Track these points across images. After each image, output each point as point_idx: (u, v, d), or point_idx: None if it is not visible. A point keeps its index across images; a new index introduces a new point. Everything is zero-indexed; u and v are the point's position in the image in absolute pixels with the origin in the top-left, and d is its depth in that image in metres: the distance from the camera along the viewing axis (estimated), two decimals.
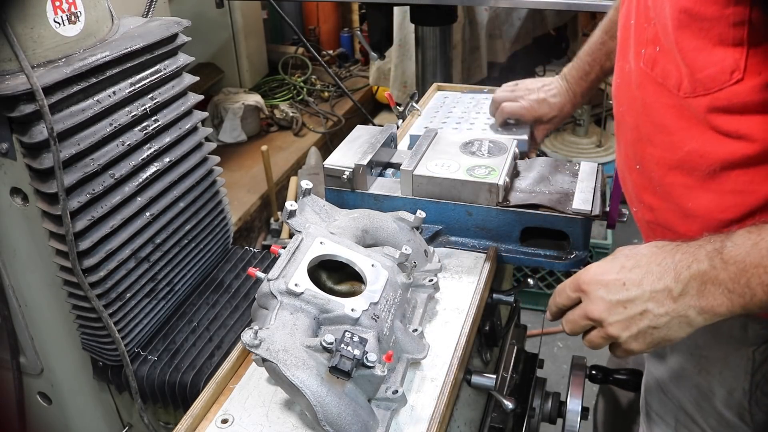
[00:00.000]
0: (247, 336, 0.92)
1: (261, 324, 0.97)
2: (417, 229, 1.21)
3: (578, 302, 0.95)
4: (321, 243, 1.08)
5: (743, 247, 0.78)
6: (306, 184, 1.19)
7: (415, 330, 1.07)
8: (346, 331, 0.92)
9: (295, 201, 1.15)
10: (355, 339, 0.91)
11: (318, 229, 1.12)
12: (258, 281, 1.04)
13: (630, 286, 0.86)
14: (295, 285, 0.98)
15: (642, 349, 0.89)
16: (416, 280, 1.15)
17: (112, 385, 1.48)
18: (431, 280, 1.17)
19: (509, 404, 1.15)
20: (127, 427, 1.58)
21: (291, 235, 1.15)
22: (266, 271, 1.68)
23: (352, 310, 0.97)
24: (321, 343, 0.89)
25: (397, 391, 0.95)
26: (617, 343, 0.92)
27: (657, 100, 0.99)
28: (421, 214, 1.19)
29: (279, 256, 1.08)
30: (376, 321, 0.98)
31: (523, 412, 1.45)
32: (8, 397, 1.50)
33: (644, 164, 1.08)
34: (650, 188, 1.09)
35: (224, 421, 1.02)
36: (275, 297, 0.98)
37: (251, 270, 1.03)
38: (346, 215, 1.20)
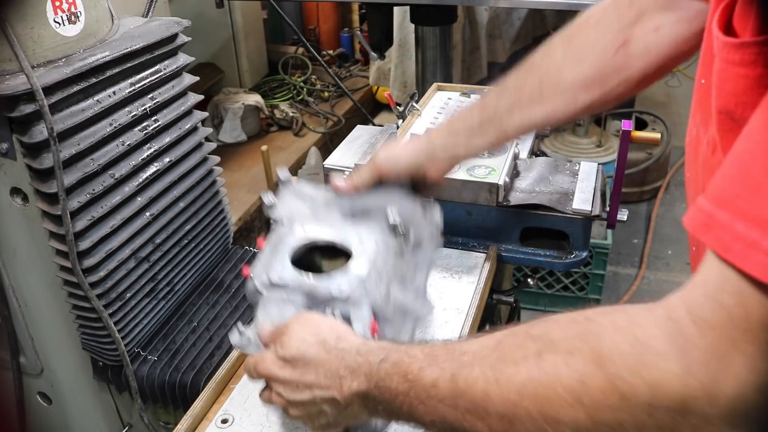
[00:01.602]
0: (234, 337, 0.92)
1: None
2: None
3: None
4: (303, 229, 1.04)
5: (397, 375, 0.73)
6: (283, 174, 1.13)
7: (418, 290, 1.03)
8: (327, 309, 0.90)
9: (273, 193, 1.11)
10: (338, 316, 0.89)
11: (302, 215, 1.07)
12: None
13: (304, 390, 0.82)
14: (279, 277, 0.95)
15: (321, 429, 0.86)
16: (417, 238, 1.09)
17: (112, 385, 1.48)
18: (431, 239, 1.11)
19: None
20: (127, 427, 1.58)
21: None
22: None
23: (340, 290, 0.93)
24: None
25: None
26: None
27: None
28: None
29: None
30: (366, 293, 0.94)
31: None
32: (8, 397, 1.50)
33: (698, 250, 0.93)
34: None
35: (224, 421, 1.02)
36: (260, 292, 0.96)
37: (244, 268, 1.02)
38: (328, 194, 1.14)
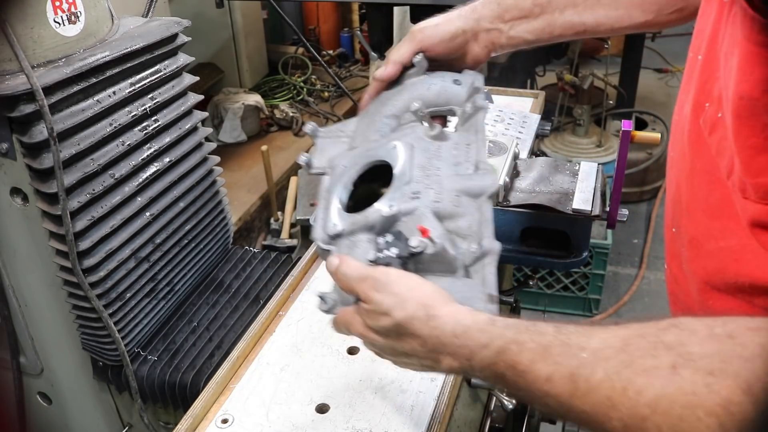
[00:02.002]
0: (321, 305, 0.88)
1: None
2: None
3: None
4: (344, 167, 0.97)
5: (500, 366, 0.70)
6: (310, 126, 1.07)
7: (476, 167, 0.93)
8: (378, 237, 0.84)
9: (306, 152, 1.03)
10: (389, 239, 0.83)
11: (341, 156, 1.00)
12: None
13: (400, 355, 0.81)
14: (334, 226, 0.89)
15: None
16: (462, 114, 1.01)
17: (112, 385, 1.48)
18: (474, 103, 1.00)
19: (509, 404, 1.15)
20: (127, 427, 1.58)
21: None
22: (267, 269, 1.68)
23: (390, 206, 0.86)
24: (366, 263, 0.82)
25: (480, 244, 0.84)
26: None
27: (705, 172, 0.82)
28: (417, 56, 1.04)
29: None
30: (418, 198, 0.86)
31: (523, 412, 1.45)
32: (8, 397, 1.50)
33: (679, 232, 0.92)
34: (678, 261, 0.94)
35: (224, 421, 1.02)
36: (326, 250, 0.90)
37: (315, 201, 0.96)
38: (360, 118, 1.08)
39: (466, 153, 0.95)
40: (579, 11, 1.06)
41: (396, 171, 0.90)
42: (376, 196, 0.94)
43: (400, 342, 0.78)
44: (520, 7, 1.06)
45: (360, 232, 0.87)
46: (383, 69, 1.03)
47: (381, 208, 0.85)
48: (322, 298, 0.87)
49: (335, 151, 1.03)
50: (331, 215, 0.91)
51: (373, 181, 0.96)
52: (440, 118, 1.04)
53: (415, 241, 0.80)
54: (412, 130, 0.96)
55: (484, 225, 0.86)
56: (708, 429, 0.54)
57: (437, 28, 1.04)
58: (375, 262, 0.81)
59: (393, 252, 0.81)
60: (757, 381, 0.53)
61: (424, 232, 0.81)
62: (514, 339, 0.69)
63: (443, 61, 1.06)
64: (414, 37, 1.03)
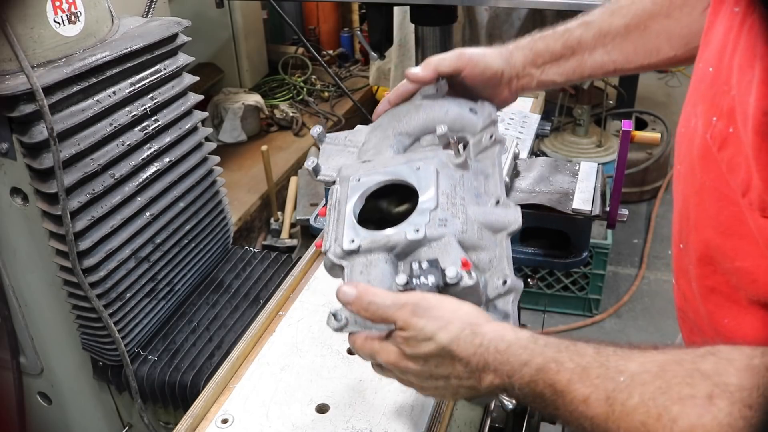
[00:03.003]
0: (331, 322, 0.85)
1: None
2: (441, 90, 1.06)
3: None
4: (358, 180, 0.94)
5: (539, 384, 0.70)
6: (317, 129, 1.06)
7: (498, 201, 0.91)
8: (412, 263, 0.82)
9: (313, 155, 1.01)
10: (424, 266, 0.81)
11: (350, 167, 0.98)
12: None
13: (438, 379, 0.79)
14: (351, 242, 0.87)
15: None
16: (477, 146, 1.00)
17: (112, 385, 1.48)
18: (491, 136, 0.99)
19: (509, 404, 1.15)
20: (127, 427, 1.58)
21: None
22: (267, 269, 1.68)
23: (416, 231, 0.84)
24: (396, 288, 0.81)
25: (506, 281, 0.84)
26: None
27: (715, 188, 0.78)
28: (442, 79, 1.04)
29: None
30: (445, 225, 0.85)
31: (523, 412, 1.45)
32: (8, 397, 1.50)
33: (687, 249, 0.89)
34: (687, 278, 0.90)
35: (224, 421, 1.02)
36: (339, 266, 0.88)
37: (318, 242, 0.94)
38: (369, 130, 1.06)
39: (485, 184, 0.94)
40: (608, 50, 1.06)
41: (422, 195, 0.88)
42: (379, 212, 0.94)
43: (441, 367, 0.77)
44: (551, 51, 1.07)
45: (378, 251, 0.86)
46: (421, 70, 1.02)
47: (406, 231, 0.84)
48: (334, 315, 0.85)
49: (342, 160, 1.01)
50: (347, 230, 0.89)
51: (380, 197, 0.95)
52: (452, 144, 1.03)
53: (453, 272, 0.79)
54: (434, 154, 0.94)
55: (507, 261, 0.86)
56: None
57: (483, 58, 1.04)
58: (406, 287, 0.80)
59: (430, 280, 0.79)
60: None
61: (465, 264, 0.81)
62: (553, 358, 0.69)
63: (469, 88, 1.06)
64: (462, 56, 1.03)
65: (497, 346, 0.73)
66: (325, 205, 0.98)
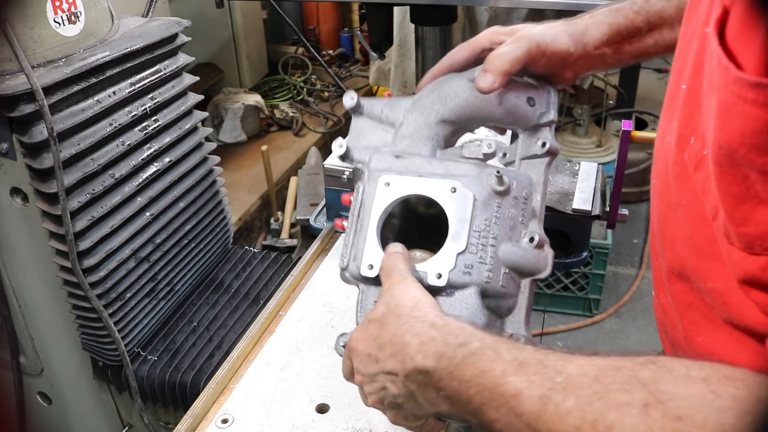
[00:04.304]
0: (337, 344, 0.83)
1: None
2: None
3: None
4: (387, 185, 0.85)
5: (476, 369, 0.66)
6: (351, 96, 0.95)
7: (532, 239, 0.82)
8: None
9: (342, 138, 0.89)
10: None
11: (381, 159, 0.88)
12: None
13: (371, 361, 0.76)
14: (369, 268, 0.81)
15: (402, 423, 0.79)
16: (526, 145, 0.92)
17: (112, 385, 1.48)
18: (543, 144, 0.89)
19: None
20: (127, 427, 1.58)
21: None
22: (267, 269, 1.68)
23: (438, 276, 0.79)
24: None
25: (519, 336, 0.80)
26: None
27: (690, 208, 0.76)
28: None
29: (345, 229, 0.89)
30: (470, 274, 0.79)
31: None
32: (8, 397, 1.50)
33: (664, 264, 0.86)
34: (665, 292, 0.87)
35: (224, 421, 1.02)
36: (356, 285, 0.84)
37: (337, 222, 0.90)
38: (409, 107, 0.93)
39: (523, 211, 0.85)
40: (659, 32, 0.97)
41: (451, 229, 0.81)
42: (405, 206, 0.88)
43: (377, 339, 0.74)
44: (631, 25, 0.96)
45: None
46: (490, 80, 0.88)
47: (429, 273, 0.79)
48: (341, 340, 0.83)
49: (374, 139, 0.92)
50: (367, 251, 0.83)
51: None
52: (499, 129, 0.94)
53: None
54: (477, 174, 0.84)
55: (525, 311, 0.81)
56: None
57: (553, 43, 0.92)
58: None
59: None
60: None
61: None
62: (492, 345, 0.67)
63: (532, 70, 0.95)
64: (530, 47, 0.90)
65: (434, 322, 0.71)
66: (341, 216, 0.91)
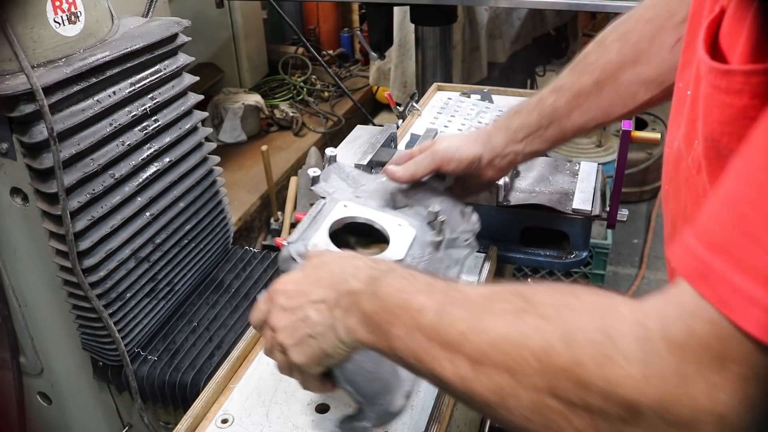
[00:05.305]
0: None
1: None
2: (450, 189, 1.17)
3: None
4: (345, 206, 1.04)
5: (393, 288, 0.72)
6: (330, 151, 1.16)
7: None
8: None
9: (320, 168, 1.12)
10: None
11: (343, 194, 1.08)
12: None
13: (300, 294, 0.81)
14: (314, 246, 0.93)
15: (304, 362, 0.83)
16: (452, 240, 1.08)
17: (112, 385, 1.48)
18: (466, 240, 1.09)
19: None
20: (127, 427, 1.58)
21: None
22: (267, 269, 1.68)
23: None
24: None
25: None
26: (285, 357, 0.86)
27: (697, 211, 0.78)
28: (451, 177, 1.14)
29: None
30: None
31: None
32: (8, 397, 1.50)
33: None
34: None
35: (224, 421, 1.02)
36: (294, 260, 0.93)
37: (278, 240, 1.02)
38: (374, 179, 1.15)
39: (446, 271, 1.02)
40: (584, 110, 1.07)
41: (392, 246, 0.97)
42: (346, 244, 1.03)
43: (316, 270, 0.81)
44: (528, 125, 1.09)
45: None
46: (401, 171, 1.09)
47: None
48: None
49: (340, 186, 1.11)
50: (318, 234, 0.97)
51: (352, 232, 1.04)
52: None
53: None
54: (420, 223, 1.03)
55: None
56: (530, 368, 0.58)
57: (457, 152, 1.10)
58: None
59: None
60: (578, 331, 0.56)
61: None
62: (412, 273, 0.74)
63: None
64: (434, 157, 1.09)
65: (371, 263, 0.79)
66: (303, 212, 1.06)
